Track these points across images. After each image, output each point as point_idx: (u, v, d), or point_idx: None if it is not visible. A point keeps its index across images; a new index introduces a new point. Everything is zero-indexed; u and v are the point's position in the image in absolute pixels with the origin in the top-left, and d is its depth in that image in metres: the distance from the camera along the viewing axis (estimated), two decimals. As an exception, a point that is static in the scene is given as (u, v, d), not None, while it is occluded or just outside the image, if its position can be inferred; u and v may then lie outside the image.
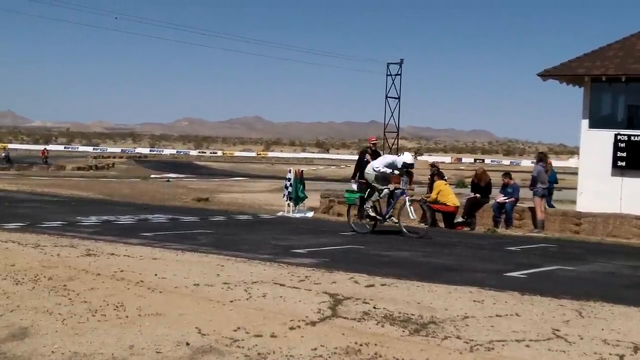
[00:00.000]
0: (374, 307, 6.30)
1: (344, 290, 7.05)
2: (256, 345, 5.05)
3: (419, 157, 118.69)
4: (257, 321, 5.67)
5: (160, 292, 6.72)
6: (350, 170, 25.28)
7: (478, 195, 17.19)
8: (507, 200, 16.67)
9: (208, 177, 48.36)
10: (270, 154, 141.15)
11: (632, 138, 16.27)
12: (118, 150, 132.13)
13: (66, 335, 5.26)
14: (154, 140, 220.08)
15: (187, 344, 5.06)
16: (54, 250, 9.12)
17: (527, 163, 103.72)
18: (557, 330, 5.72)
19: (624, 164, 16.26)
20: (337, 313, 6.07)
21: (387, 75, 43.27)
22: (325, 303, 6.42)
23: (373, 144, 18.54)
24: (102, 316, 5.79)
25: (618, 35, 20.09)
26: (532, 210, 16.42)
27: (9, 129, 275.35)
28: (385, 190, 13.91)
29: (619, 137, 16.38)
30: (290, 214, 18.66)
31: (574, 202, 17.83)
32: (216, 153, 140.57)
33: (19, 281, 7.07)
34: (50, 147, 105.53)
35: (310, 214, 18.89)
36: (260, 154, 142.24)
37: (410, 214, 13.69)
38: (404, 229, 13.58)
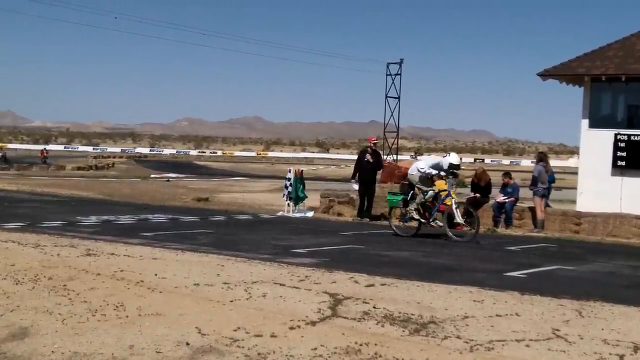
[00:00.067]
0: (374, 307, 6.30)
1: (344, 290, 7.05)
2: (256, 345, 5.05)
3: (419, 157, 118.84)
4: (257, 321, 5.68)
5: (160, 292, 6.72)
6: (350, 170, 25.28)
7: (478, 195, 17.17)
8: (507, 200, 16.66)
9: (208, 177, 48.35)
10: (270, 154, 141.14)
11: (632, 138, 16.26)
12: (118, 150, 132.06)
13: (66, 335, 5.26)
14: (154, 140, 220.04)
15: (187, 343, 5.06)
16: (54, 250, 9.12)
17: (527, 163, 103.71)
18: (557, 330, 5.72)
19: (623, 163, 16.26)
20: (337, 313, 6.07)
21: (387, 75, 43.23)
22: (325, 303, 6.42)
23: (374, 143, 18.54)
24: (102, 316, 5.79)
25: (618, 35, 20.11)
26: (532, 210, 16.42)
27: (9, 129, 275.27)
28: (430, 192, 13.50)
29: (618, 136, 16.37)
30: (290, 214, 18.66)
31: (573, 202, 17.82)
32: (216, 153, 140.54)
33: (19, 281, 7.07)
34: (50, 147, 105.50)
35: (310, 214, 18.89)
36: (260, 154, 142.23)
37: (456, 217, 13.24)
38: (450, 233, 13.18)
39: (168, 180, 39.77)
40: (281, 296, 6.68)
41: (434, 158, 14.34)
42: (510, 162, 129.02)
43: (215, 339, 5.19)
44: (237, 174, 56.49)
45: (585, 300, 7.03)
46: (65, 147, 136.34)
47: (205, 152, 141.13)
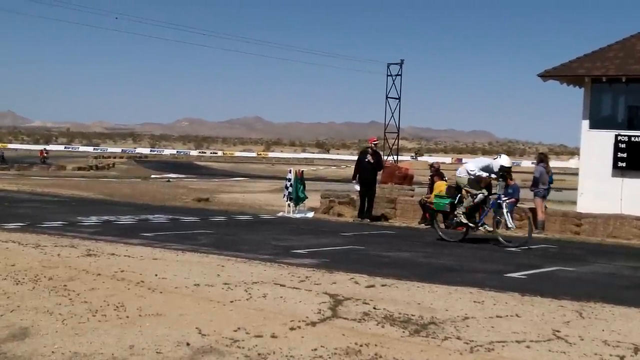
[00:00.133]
0: (374, 308, 6.30)
1: (344, 291, 7.05)
2: (256, 345, 5.05)
3: (419, 158, 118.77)
4: (258, 321, 5.68)
5: (161, 292, 6.72)
6: (350, 170, 25.29)
7: (478, 195, 17.15)
8: (507, 201, 16.62)
9: (208, 178, 48.35)
10: (270, 154, 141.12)
11: (633, 139, 16.27)
12: (118, 150, 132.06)
13: (66, 335, 5.26)
14: (154, 141, 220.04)
15: (188, 344, 5.06)
16: (55, 250, 9.12)
17: (528, 164, 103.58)
18: (558, 331, 5.72)
19: (624, 164, 16.27)
20: (337, 313, 6.07)
21: (388, 75, 43.25)
22: (326, 303, 6.42)
23: (374, 144, 18.55)
24: (102, 316, 5.79)
25: (618, 36, 20.15)
26: (533, 210, 16.40)
27: (9, 129, 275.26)
28: (480, 195, 13.02)
29: (619, 137, 16.38)
30: (291, 214, 18.66)
31: (574, 202, 17.83)
32: (216, 153, 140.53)
33: (19, 281, 7.07)
34: (50, 147, 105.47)
35: (310, 214, 18.90)
36: (260, 154, 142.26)
37: (507, 221, 12.81)
38: (501, 238, 12.76)
39: (168, 181, 39.77)
40: (281, 297, 6.68)
41: (483, 160, 13.71)
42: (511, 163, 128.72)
43: (216, 339, 5.19)
44: (237, 174, 56.49)
45: (585, 301, 7.03)
46: (65, 147, 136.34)
47: (205, 153, 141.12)
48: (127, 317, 5.79)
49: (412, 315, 6.09)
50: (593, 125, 17.03)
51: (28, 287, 6.83)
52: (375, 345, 5.11)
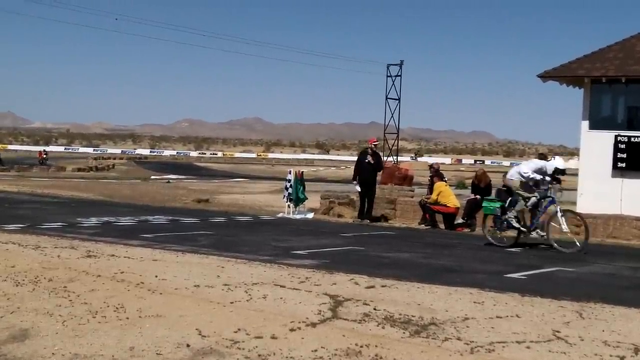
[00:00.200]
0: (375, 309, 6.30)
1: (345, 292, 7.05)
2: (257, 346, 5.05)
3: (419, 159, 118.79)
4: (258, 323, 5.68)
5: (161, 293, 6.72)
6: (350, 171, 25.29)
7: (478, 196, 17.17)
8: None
9: (208, 178, 48.33)
10: (270, 155, 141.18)
11: (632, 139, 16.27)
12: (118, 151, 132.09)
13: (66, 336, 5.26)
14: (154, 142, 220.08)
15: (188, 345, 5.06)
16: (55, 251, 9.12)
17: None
18: (558, 331, 5.72)
19: (624, 165, 16.26)
20: (337, 314, 6.07)
21: (387, 76, 43.27)
22: (326, 304, 6.42)
23: (374, 145, 18.55)
24: (102, 318, 5.79)
25: (618, 36, 20.17)
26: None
27: (9, 130, 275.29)
28: (533, 199, 12.59)
29: (619, 138, 16.38)
30: (291, 215, 18.66)
31: (574, 203, 17.82)
32: (216, 154, 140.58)
33: (19, 282, 7.07)
34: (50, 148, 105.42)
35: (310, 215, 18.90)
36: (260, 155, 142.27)
37: (562, 225, 12.26)
38: (555, 243, 12.28)
39: (168, 182, 39.77)
40: (281, 298, 6.68)
41: (536, 162, 13.07)
42: (511, 163, 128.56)
43: (216, 340, 5.19)
44: (237, 175, 56.48)
45: (585, 301, 7.02)
46: (65, 149, 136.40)
47: (205, 154, 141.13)
48: (127, 318, 5.79)
49: (413, 316, 6.08)
50: (593, 126, 17.02)
51: (28, 289, 6.83)
52: (376, 346, 5.11)
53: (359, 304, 6.50)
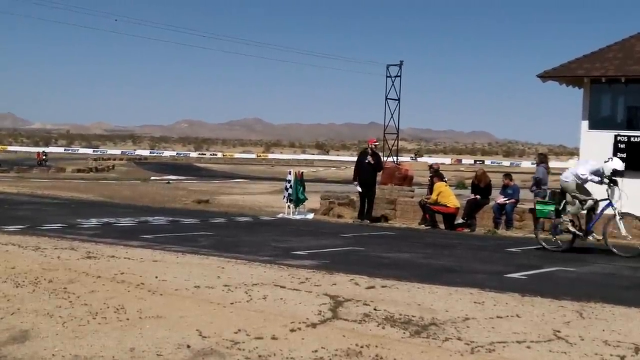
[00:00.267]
0: (375, 309, 6.30)
1: (345, 292, 7.05)
2: (257, 347, 5.05)
3: (419, 159, 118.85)
4: (258, 323, 5.68)
5: (161, 294, 6.72)
6: (349, 171, 25.30)
7: (478, 196, 17.19)
8: (507, 202, 16.66)
9: (208, 179, 48.33)
10: (270, 156, 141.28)
11: (632, 139, 16.27)
12: (118, 152, 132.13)
13: (67, 338, 5.26)
14: (154, 142, 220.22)
15: (188, 346, 5.05)
16: (54, 252, 9.12)
17: (527, 164, 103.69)
18: (558, 331, 5.72)
19: (623, 164, 16.24)
20: (337, 315, 6.07)
21: (387, 76, 43.30)
22: (326, 305, 6.42)
23: (374, 145, 18.54)
24: (102, 319, 5.79)
25: (617, 36, 20.17)
26: (533, 211, 16.37)
27: (9, 131, 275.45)
28: (590, 202, 12.18)
29: (618, 138, 16.38)
30: (291, 216, 18.66)
31: (574, 203, 17.80)
32: (216, 155, 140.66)
33: (19, 284, 7.07)
34: (50, 149, 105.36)
35: (310, 216, 18.90)
36: (260, 156, 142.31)
37: (620, 229, 11.88)
38: (613, 248, 11.80)
39: (168, 183, 39.77)
40: (282, 298, 6.68)
41: (592, 163, 12.55)
42: (510, 163, 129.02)
43: (216, 341, 5.19)
44: (237, 175, 56.49)
45: (585, 301, 7.02)
46: (65, 150, 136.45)
47: (205, 154, 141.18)
48: (128, 319, 5.79)
49: (413, 316, 6.08)
50: (592, 126, 17.03)
51: (28, 290, 6.83)
52: (376, 346, 5.11)
53: (359, 304, 6.50)
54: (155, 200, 23.72)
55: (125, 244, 10.72)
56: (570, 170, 12.73)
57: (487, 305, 6.70)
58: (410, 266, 9.87)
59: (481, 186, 17.45)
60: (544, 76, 17.75)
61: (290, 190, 18.84)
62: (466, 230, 16.66)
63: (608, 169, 12.27)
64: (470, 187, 19.03)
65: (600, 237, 12.09)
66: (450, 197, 17.11)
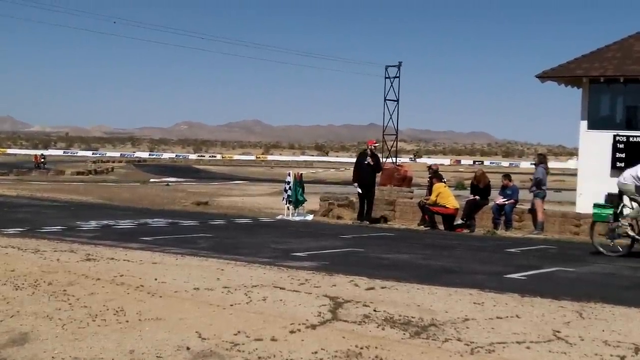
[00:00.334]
0: (374, 310, 6.30)
1: (344, 293, 7.05)
2: (257, 349, 5.04)
3: (418, 160, 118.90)
4: (258, 325, 5.67)
5: (160, 296, 6.71)
6: (349, 173, 25.29)
7: (477, 197, 17.19)
8: (506, 202, 16.67)
9: (207, 181, 48.32)
10: (269, 157, 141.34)
11: (631, 139, 16.29)
12: (117, 154, 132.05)
13: (66, 340, 5.25)
14: (153, 144, 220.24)
15: (188, 348, 5.05)
16: (54, 255, 9.11)
17: (526, 165, 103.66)
18: (558, 331, 5.72)
19: (623, 164, 16.24)
20: (337, 316, 6.07)
21: (386, 78, 43.24)
22: (326, 306, 6.42)
23: (374, 146, 18.54)
24: (102, 321, 5.79)
25: (616, 36, 20.19)
26: (532, 211, 16.40)
27: (8, 134, 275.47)
28: None
29: (617, 138, 16.40)
30: (290, 217, 18.66)
31: (573, 203, 17.84)
32: (215, 157, 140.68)
33: (18, 286, 7.07)
34: (49, 152, 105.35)
35: (309, 217, 18.90)
36: (259, 157, 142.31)
37: None
38: None
39: (167, 185, 39.78)
40: (281, 300, 6.67)
41: None
42: (510, 164, 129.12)
43: (216, 343, 5.18)
44: (236, 177, 56.48)
45: (585, 301, 7.02)
46: (64, 152, 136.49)
47: (204, 156, 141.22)
48: (127, 321, 5.79)
49: (412, 317, 6.08)
50: (591, 126, 17.04)
51: (27, 292, 6.82)
52: (376, 347, 5.11)
53: (359, 305, 6.50)
54: (154, 203, 23.71)
55: (124, 246, 10.71)
56: (628, 171, 12.13)
57: (487, 305, 6.70)
58: (409, 267, 9.87)
59: (480, 187, 17.46)
60: (543, 76, 17.76)
61: (289, 192, 18.83)
62: (465, 231, 16.66)
63: None
64: (469, 188, 19.03)
65: None
66: (449, 198, 17.11)
